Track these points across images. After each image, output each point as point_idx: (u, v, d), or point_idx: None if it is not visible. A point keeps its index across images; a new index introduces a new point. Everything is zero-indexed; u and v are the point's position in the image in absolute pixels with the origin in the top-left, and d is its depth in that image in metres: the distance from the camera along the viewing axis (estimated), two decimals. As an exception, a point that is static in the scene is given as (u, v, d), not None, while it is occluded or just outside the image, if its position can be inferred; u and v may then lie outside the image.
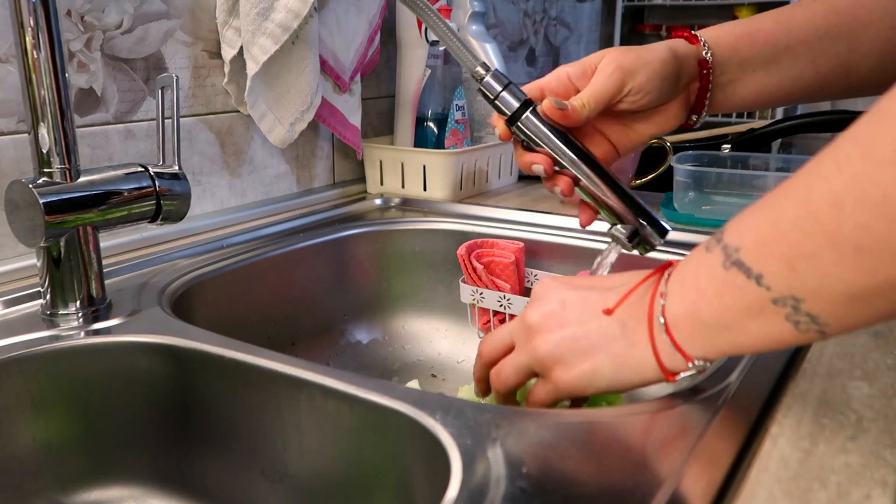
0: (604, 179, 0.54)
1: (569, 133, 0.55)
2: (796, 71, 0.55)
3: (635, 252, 0.56)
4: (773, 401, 0.44)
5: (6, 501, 0.52)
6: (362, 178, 1.07)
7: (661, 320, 0.40)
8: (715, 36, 0.56)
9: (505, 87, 0.55)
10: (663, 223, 0.55)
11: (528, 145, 0.55)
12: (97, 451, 0.56)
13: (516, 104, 0.54)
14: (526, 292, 0.83)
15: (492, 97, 0.55)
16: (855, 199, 0.31)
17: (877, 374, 0.48)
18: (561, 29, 1.71)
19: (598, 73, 0.54)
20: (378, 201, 1.01)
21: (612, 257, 0.56)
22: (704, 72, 0.55)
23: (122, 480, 0.57)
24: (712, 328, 0.38)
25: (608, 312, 0.43)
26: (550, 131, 0.54)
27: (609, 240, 0.56)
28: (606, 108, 0.54)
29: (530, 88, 0.56)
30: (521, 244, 0.82)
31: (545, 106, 0.53)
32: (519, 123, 0.55)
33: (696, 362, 0.40)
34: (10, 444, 0.52)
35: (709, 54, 0.55)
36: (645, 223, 0.55)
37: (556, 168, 0.55)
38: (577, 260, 0.83)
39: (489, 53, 1.09)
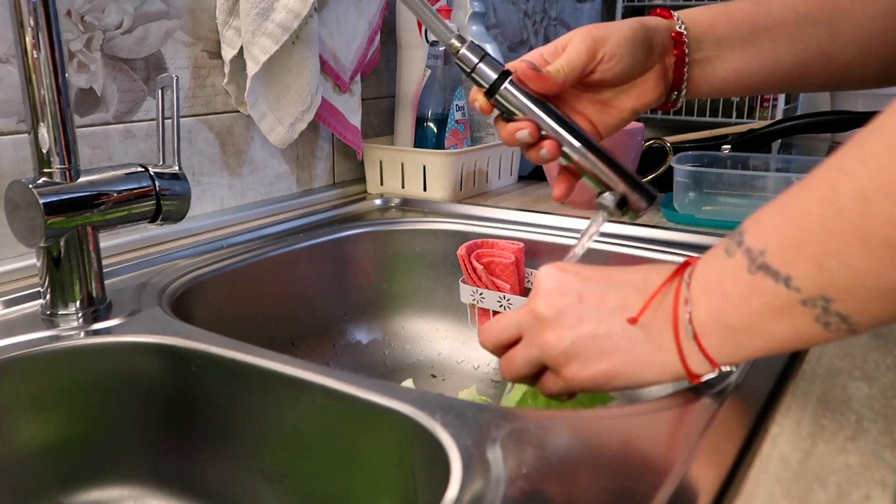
0: (588, 146, 0.54)
1: (549, 102, 0.54)
2: (775, 54, 0.55)
3: (625, 218, 0.55)
4: (773, 401, 0.44)
5: (6, 501, 0.52)
6: (362, 179, 1.07)
7: (689, 329, 0.39)
8: (691, 14, 0.56)
9: (482, 59, 0.54)
10: (650, 189, 0.54)
11: (510, 117, 0.54)
12: (97, 451, 0.56)
13: (494, 75, 0.53)
14: (526, 292, 0.83)
15: (469, 69, 0.54)
16: (882, 194, 0.30)
17: (877, 375, 0.48)
18: (561, 29, 1.71)
19: (570, 45, 0.54)
20: (378, 201, 1.01)
21: (598, 225, 0.55)
22: (678, 43, 0.55)
23: (122, 480, 0.57)
24: (741, 334, 0.38)
25: (633, 321, 0.42)
26: (530, 100, 0.53)
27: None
28: (582, 80, 0.54)
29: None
30: (521, 244, 0.82)
31: (520, 69, 0.53)
32: (498, 95, 0.54)
33: (723, 368, 0.40)
34: (10, 444, 0.52)
35: (682, 28, 0.55)
36: (632, 189, 0.54)
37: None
38: (577, 260, 0.83)
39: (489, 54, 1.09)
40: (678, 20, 0.56)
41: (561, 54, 0.55)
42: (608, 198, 0.54)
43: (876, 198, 0.30)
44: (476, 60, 0.54)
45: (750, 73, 0.56)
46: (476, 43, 0.55)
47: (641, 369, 0.42)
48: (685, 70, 0.56)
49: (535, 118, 0.53)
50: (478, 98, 0.55)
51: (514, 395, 0.54)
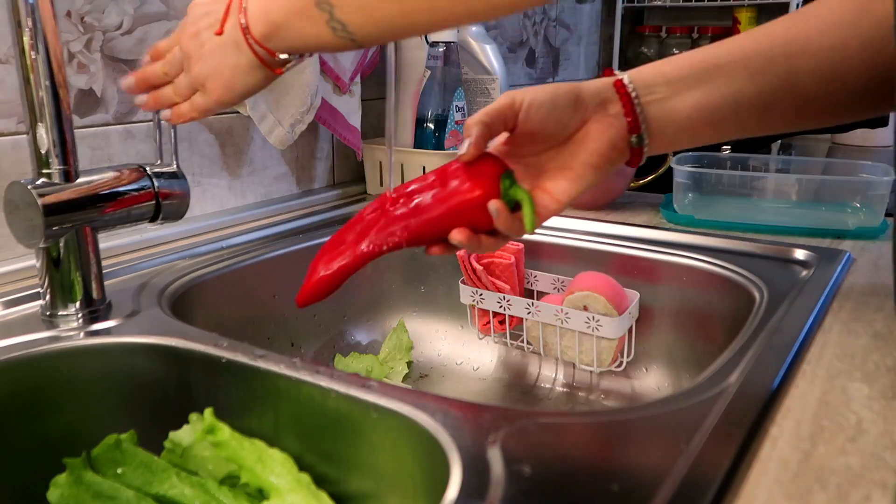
0: None
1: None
2: (736, 87, 0.53)
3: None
4: (773, 402, 0.44)
5: (6, 501, 0.52)
6: (362, 179, 1.07)
7: (243, 21, 0.50)
8: (636, 69, 0.55)
9: None
10: None
11: None
12: (96, 452, 0.56)
13: None
14: (526, 293, 0.83)
15: None
16: None
17: (876, 376, 0.48)
18: (561, 30, 1.71)
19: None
20: (378, 202, 1.01)
21: None
22: (621, 90, 0.53)
23: (122, 481, 0.56)
24: (282, 28, 0.49)
25: (219, 33, 0.52)
26: None
27: None
28: (515, 139, 0.52)
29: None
30: (521, 245, 0.82)
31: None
32: None
33: (280, 56, 0.52)
34: (10, 444, 0.52)
35: (625, 77, 0.53)
36: None
37: None
38: (576, 261, 0.83)
39: (489, 55, 1.09)
40: (619, 73, 0.54)
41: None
42: None
43: None
44: None
45: (714, 107, 0.53)
46: None
47: (236, 74, 0.53)
48: (638, 112, 0.53)
49: None
50: None
51: None
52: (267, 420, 0.51)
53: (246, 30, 0.50)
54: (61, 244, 0.56)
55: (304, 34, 0.48)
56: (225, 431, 0.49)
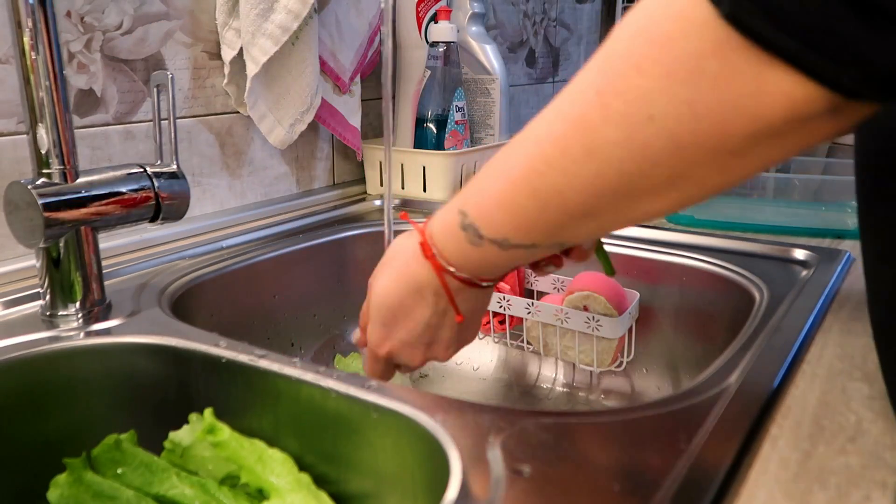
0: None
1: None
2: None
3: None
4: (773, 402, 0.44)
5: (6, 501, 0.52)
6: (362, 179, 1.07)
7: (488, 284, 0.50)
8: None
9: None
10: None
11: None
12: (96, 452, 0.56)
13: None
14: (526, 293, 0.83)
15: None
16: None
17: (876, 376, 0.48)
18: (561, 30, 1.71)
19: None
20: (378, 202, 1.01)
21: None
22: None
23: (122, 481, 0.56)
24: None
25: (461, 320, 0.52)
26: None
27: None
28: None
29: None
30: (521, 245, 0.82)
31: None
32: None
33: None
34: (10, 445, 0.52)
35: None
36: None
37: None
38: (577, 261, 0.83)
39: (489, 55, 1.09)
40: None
41: None
42: None
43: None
44: None
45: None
46: None
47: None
48: None
49: None
50: None
51: None
52: (267, 420, 0.51)
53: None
54: (61, 244, 0.56)
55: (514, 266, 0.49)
56: (225, 431, 0.49)
